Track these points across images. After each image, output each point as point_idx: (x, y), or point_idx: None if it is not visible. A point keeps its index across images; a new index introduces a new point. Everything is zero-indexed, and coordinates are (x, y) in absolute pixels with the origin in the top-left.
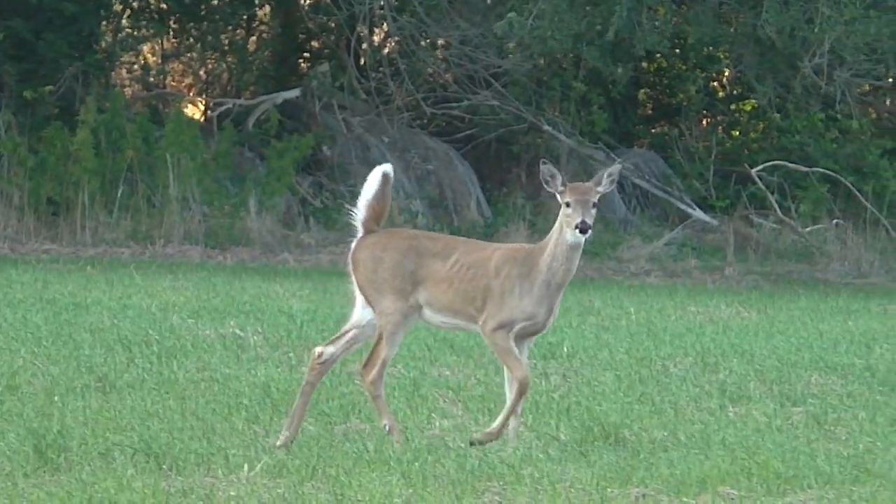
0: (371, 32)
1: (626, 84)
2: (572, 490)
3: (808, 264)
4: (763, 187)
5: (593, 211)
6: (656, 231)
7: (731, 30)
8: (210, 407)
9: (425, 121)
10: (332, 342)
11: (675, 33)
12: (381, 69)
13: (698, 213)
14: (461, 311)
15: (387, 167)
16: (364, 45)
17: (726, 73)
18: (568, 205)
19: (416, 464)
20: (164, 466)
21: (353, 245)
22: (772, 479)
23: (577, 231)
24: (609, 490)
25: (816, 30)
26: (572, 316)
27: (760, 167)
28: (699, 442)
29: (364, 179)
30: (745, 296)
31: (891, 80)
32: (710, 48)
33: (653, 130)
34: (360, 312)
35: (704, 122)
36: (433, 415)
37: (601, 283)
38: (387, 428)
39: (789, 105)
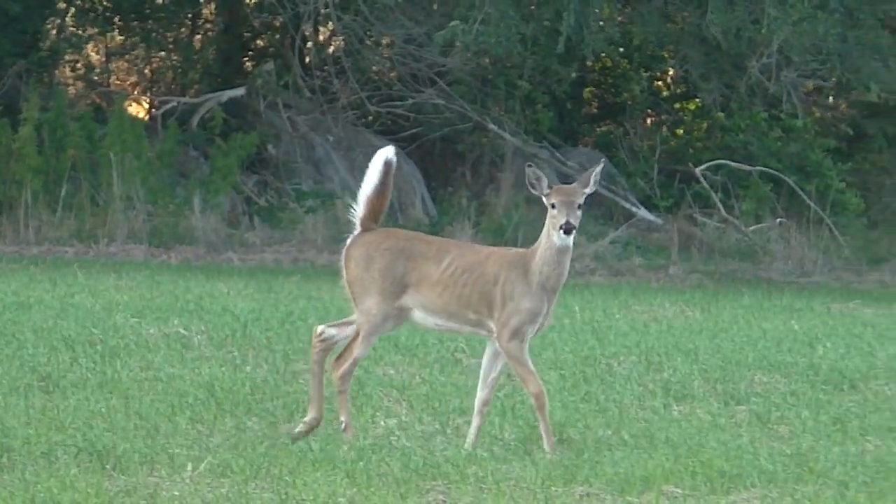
0: (316, 31)
1: (570, 83)
2: (517, 489)
3: (752, 263)
4: (707, 186)
5: (579, 212)
6: (601, 230)
7: (678, 29)
8: (154, 406)
9: (370, 119)
10: (335, 325)
11: (621, 32)
12: (325, 68)
13: (643, 212)
14: (457, 315)
15: (389, 151)
16: (309, 44)
17: (671, 73)
18: (553, 206)
19: (361, 463)
20: (107, 466)
21: (348, 241)
22: (715, 478)
23: (562, 232)
24: (553, 489)
25: (763, 30)
26: None
27: (704, 166)
28: (643, 441)
29: (308, 178)
30: (689, 294)
31: (835, 79)
32: (656, 48)
33: (597, 129)
34: None
35: (649, 120)
36: (378, 414)
37: None
38: (343, 425)
39: (733, 104)
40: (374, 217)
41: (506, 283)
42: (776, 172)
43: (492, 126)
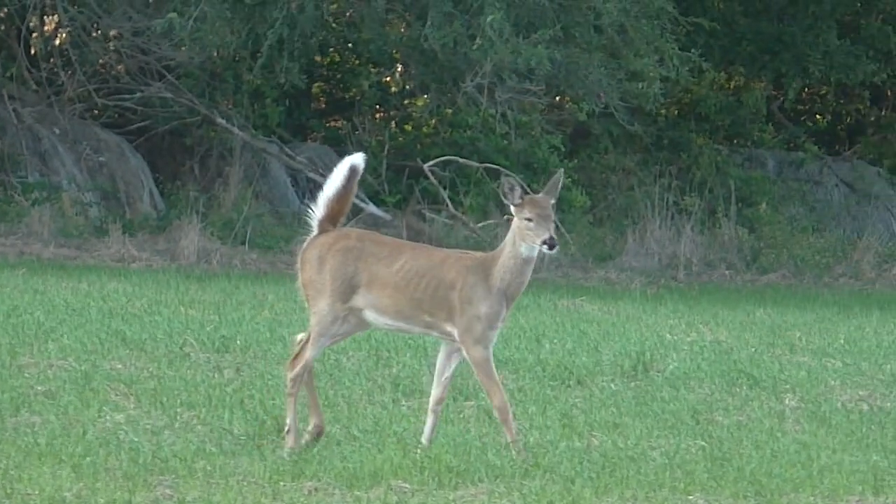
0: (42, 22)
1: (298, 78)
2: (245, 484)
3: None
4: (435, 182)
5: (552, 225)
6: None
7: (398, 36)
8: None
9: (97, 112)
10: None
11: (348, 27)
12: (52, 59)
13: (371, 208)
14: (412, 317)
15: (356, 158)
16: (34, 35)
17: (399, 70)
18: (529, 220)
19: (88, 458)
20: None
21: (304, 244)
22: (444, 473)
23: (546, 247)
24: (282, 483)
25: (475, 48)
26: (245, 309)
27: (433, 162)
28: (372, 435)
29: (34, 171)
30: None
31: (549, 97)
32: (380, 48)
33: (327, 124)
34: None
35: (378, 116)
36: (105, 408)
37: (275, 277)
38: (287, 428)
39: (460, 101)
40: (332, 220)
41: (464, 287)
42: (503, 169)
43: (220, 120)
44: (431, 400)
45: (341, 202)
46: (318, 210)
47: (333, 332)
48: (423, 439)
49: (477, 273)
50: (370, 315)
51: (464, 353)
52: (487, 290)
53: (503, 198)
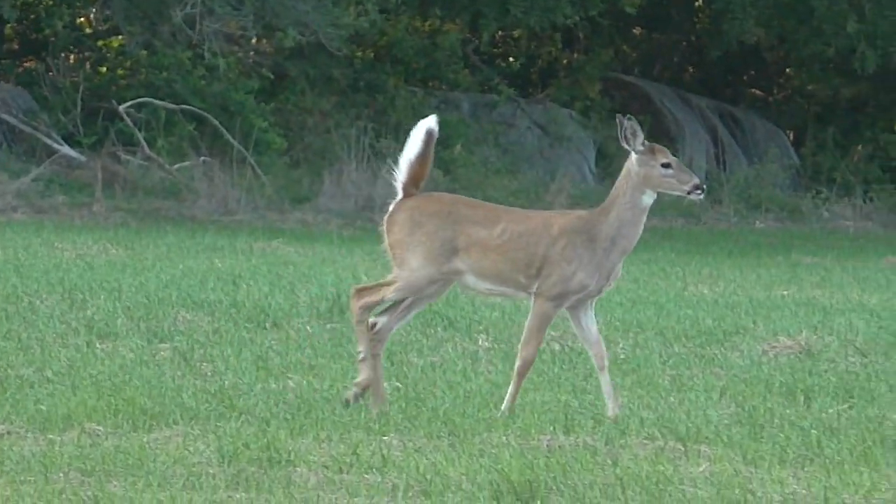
0: None
1: (10, 12)
2: None
3: (177, 201)
4: (131, 124)
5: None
6: (23, 167)
7: None
8: None
9: None
10: (385, 312)
11: None
12: None
13: (66, 149)
14: (510, 279)
15: (431, 122)
16: None
17: (95, 10)
18: (668, 166)
19: None
20: None
21: (391, 207)
22: (138, 416)
23: (698, 192)
24: None
25: None
26: None
27: (128, 104)
28: (66, 378)
29: None
30: (113, 232)
31: (257, 28)
32: None
33: (19, 66)
34: None
35: (72, 57)
36: None
37: None
38: (361, 356)
39: (157, 41)
40: (415, 183)
41: (567, 246)
42: (200, 111)
43: None
44: (595, 361)
45: (423, 165)
46: (401, 174)
47: (420, 293)
48: (611, 410)
49: (582, 233)
50: (470, 279)
51: (532, 301)
52: (592, 254)
53: (624, 143)
